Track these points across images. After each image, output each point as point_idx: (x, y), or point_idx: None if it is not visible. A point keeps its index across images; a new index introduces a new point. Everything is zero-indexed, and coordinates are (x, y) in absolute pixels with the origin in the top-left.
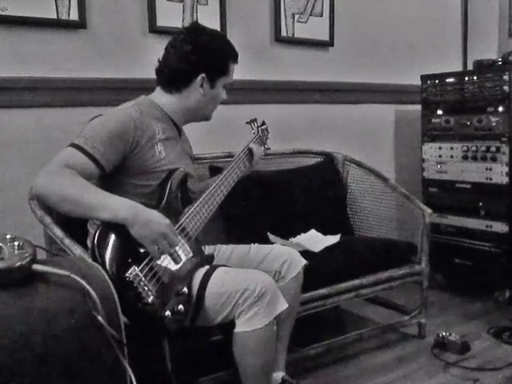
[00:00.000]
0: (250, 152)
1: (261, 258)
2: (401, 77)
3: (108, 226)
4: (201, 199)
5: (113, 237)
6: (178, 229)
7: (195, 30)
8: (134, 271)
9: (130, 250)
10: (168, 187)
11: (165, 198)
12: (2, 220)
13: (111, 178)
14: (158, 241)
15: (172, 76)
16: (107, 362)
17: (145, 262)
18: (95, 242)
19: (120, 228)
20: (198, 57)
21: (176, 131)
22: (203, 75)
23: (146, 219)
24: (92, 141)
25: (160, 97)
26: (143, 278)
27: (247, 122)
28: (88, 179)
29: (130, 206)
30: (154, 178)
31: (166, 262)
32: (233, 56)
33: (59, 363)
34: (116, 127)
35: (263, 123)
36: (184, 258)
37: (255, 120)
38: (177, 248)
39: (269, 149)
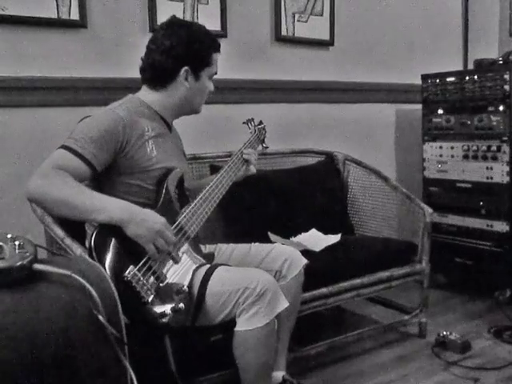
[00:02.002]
0: (244, 157)
1: (261, 257)
2: (401, 76)
3: (105, 227)
4: (198, 198)
5: (110, 237)
6: (175, 228)
7: (174, 24)
8: (131, 271)
9: (128, 250)
10: (164, 187)
11: (161, 199)
12: (3, 219)
13: (105, 178)
14: (154, 239)
15: (155, 73)
16: (108, 362)
17: (142, 262)
18: (92, 243)
19: (117, 229)
20: (178, 50)
21: (166, 127)
22: (186, 68)
23: (141, 218)
24: (82, 141)
25: (147, 95)
26: (141, 278)
27: (244, 122)
28: (80, 180)
29: (125, 206)
30: (148, 176)
31: (165, 261)
32: (214, 46)
33: (60, 362)
34: (105, 127)
35: (260, 122)
36: (183, 257)
37: (252, 120)
38: (175, 247)
39: (267, 147)
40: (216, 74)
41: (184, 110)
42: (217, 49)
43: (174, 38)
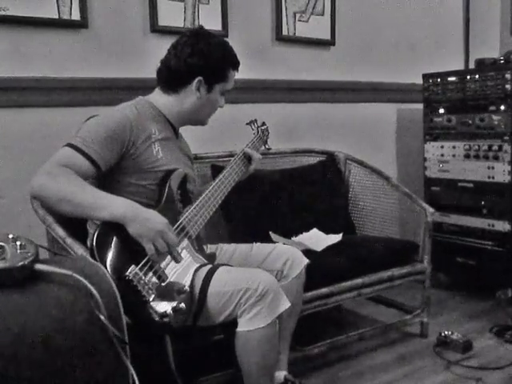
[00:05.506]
0: (246, 155)
1: (263, 257)
2: (403, 75)
3: (107, 226)
4: (200, 198)
5: (112, 237)
6: (177, 228)
7: (198, 33)
8: (133, 270)
9: (130, 249)
10: (167, 187)
11: (164, 198)
12: (4, 220)
13: (109, 177)
14: (155, 239)
15: (170, 77)
16: (110, 362)
17: (144, 261)
18: (94, 242)
19: (119, 228)
20: (196, 60)
21: (172, 132)
22: (200, 78)
23: (144, 217)
24: (88, 141)
25: (158, 97)
26: (143, 277)
27: (247, 124)
28: (84, 179)
29: (128, 204)
30: (152, 177)
31: (166, 260)
32: (233, 63)
33: (61, 363)
34: (112, 127)
35: (263, 124)
36: (184, 257)
37: (255, 121)
38: (177, 247)
39: (270, 149)
40: (229, 91)
41: (191, 119)
42: (235, 67)
43: (194, 47)
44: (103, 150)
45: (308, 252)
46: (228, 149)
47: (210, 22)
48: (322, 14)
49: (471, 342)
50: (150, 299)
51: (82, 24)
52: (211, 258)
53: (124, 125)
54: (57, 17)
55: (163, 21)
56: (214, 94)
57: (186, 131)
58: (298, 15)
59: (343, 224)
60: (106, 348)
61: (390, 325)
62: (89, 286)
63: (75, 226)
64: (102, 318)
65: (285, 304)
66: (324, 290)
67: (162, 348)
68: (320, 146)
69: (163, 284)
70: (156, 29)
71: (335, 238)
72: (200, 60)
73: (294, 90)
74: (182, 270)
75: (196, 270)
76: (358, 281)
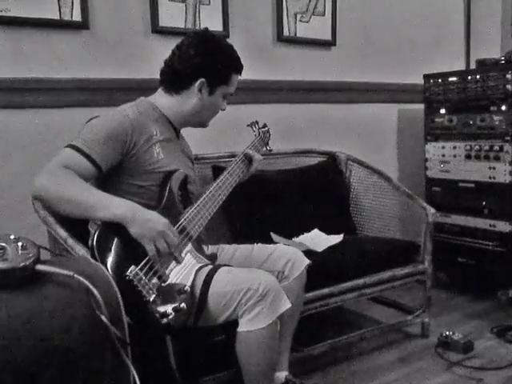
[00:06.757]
0: (247, 156)
1: (264, 257)
2: (403, 76)
3: (108, 226)
4: (201, 199)
5: (113, 237)
6: (177, 228)
7: (203, 35)
8: (133, 270)
9: (130, 249)
10: (168, 188)
11: (164, 199)
12: (5, 220)
13: (110, 178)
14: (156, 239)
15: (173, 77)
16: (111, 362)
17: (144, 261)
18: (95, 242)
19: (120, 228)
20: (199, 61)
21: (174, 133)
22: (203, 80)
23: (145, 218)
24: (89, 142)
25: (160, 98)
26: (143, 277)
27: (248, 125)
28: (85, 180)
29: (129, 205)
30: (153, 178)
31: (167, 261)
32: (236, 67)
33: (62, 363)
34: (113, 128)
35: (264, 125)
36: (186, 257)
37: (256, 122)
38: (178, 248)
39: (271, 150)
40: (232, 94)
41: (192, 121)
42: (238, 70)
43: (198, 49)
44: (104, 151)
45: (309, 252)
46: (229, 149)
47: (211, 22)
48: (323, 15)
49: (472, 342)
50: (151, 299)
51: (83, 25)
52: (212, 258)
53: (125, 126)
54: (58, 18)
55: (164, 21)
56: (216, 96)
57: (187, 132)
58: (298, 16)
59: (344, 224)
60: (107, 348)
61: (391, 325)
62: (90, 286)
63: (77, 226)
64: (103, 318)
65: (285, 304)
66: (325, 291)
67: (162, 348)
68: (321, 147)
69: (164, 284)
70: (157, 29)
71: (336, 239)
72: (203, 62)
73: (295, 91)
74: (185, 274)
75: (197, 271)
76: (359, 281)
